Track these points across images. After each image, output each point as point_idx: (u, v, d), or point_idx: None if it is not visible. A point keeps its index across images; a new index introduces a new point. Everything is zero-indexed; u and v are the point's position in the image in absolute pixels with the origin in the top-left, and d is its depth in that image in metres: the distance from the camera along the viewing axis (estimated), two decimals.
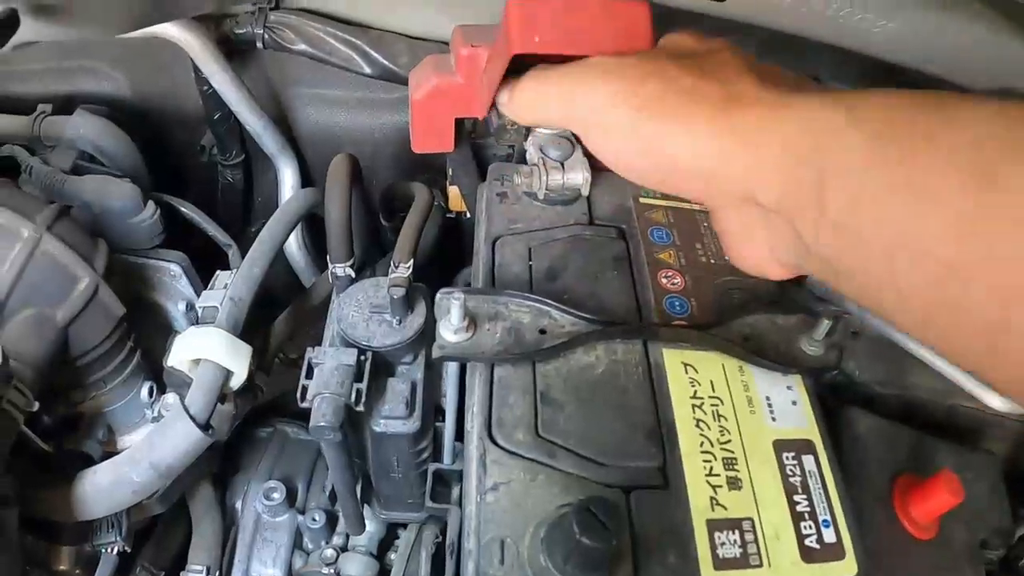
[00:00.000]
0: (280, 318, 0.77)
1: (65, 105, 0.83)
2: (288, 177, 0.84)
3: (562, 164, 0.57)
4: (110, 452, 0.71)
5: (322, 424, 0.59)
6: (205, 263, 0.80)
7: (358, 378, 0.61)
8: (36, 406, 0.57)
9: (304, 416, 0.72)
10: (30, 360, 0.59)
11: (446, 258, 0.81)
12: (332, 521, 0.79)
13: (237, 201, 0.91)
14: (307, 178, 0.87)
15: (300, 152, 0.86)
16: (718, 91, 0.42)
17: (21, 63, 0.88)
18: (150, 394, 0.71)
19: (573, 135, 0.58)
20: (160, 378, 0.72)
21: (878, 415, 0.57)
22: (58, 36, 0.53)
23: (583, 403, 0.49)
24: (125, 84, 0.88)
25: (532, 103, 0.51)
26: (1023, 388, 0.32)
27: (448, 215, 0.79)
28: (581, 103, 0.47)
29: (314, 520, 0.77)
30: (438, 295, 0.52)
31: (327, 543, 0.78)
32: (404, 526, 0.78)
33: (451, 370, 0.61)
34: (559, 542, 0.41)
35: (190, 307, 0.75)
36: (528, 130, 0.59)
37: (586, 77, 0.47)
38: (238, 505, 0.83)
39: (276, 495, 0.80)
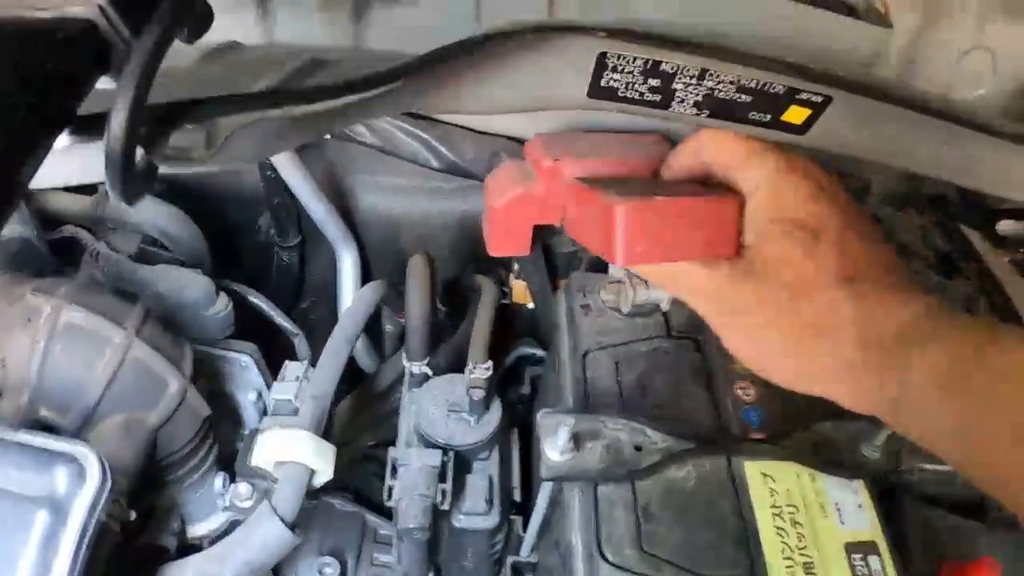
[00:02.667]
0: (343, 404, 0.82)
1: None
2: (349, 264, 0.89)
3: (646, 281, 0.63)
4: (182, 542, 0.75)
5: (411, 526, 0.65)
6: (256, 341, 0.85)
7: (442, 478, 0.66)
8: (132, 515, 0.61)
9: (343, 487, 0.77)
10: (122, 467, 0.63)
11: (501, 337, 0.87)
12: None
13: (291, 282, 0.96)
14: (364, 261, 0.92)
15: (357, 235, 0.90)
16: (824, 344, 0.48)
17: None
18: (223, 484, 0.75)
19: None
20: (230, 466, 0.76)
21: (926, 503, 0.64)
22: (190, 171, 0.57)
23: (679, 516, 0.56)
24: None
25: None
26: None
27: (504, 303, 0.84)
28: (700, 304, 0.53)
29: None
30: (541, 416, 0.58)
31: None
32: None
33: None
34: None
35: (259, 396, 0.79)
36: None
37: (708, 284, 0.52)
38: None
39: (329, 570, 0.85)
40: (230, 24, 0.82)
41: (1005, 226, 0.82)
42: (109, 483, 0.56)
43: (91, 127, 0.41)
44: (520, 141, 0.83)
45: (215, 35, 0.80)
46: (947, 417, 0.45)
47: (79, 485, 0.55)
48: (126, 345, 0.65)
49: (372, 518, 0.88)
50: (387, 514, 0.87)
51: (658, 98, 0.57)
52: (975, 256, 0.76)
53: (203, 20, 0.45)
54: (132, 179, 0.38)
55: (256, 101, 0.43)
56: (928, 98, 0.88)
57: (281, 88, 0.49)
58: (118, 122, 0.37)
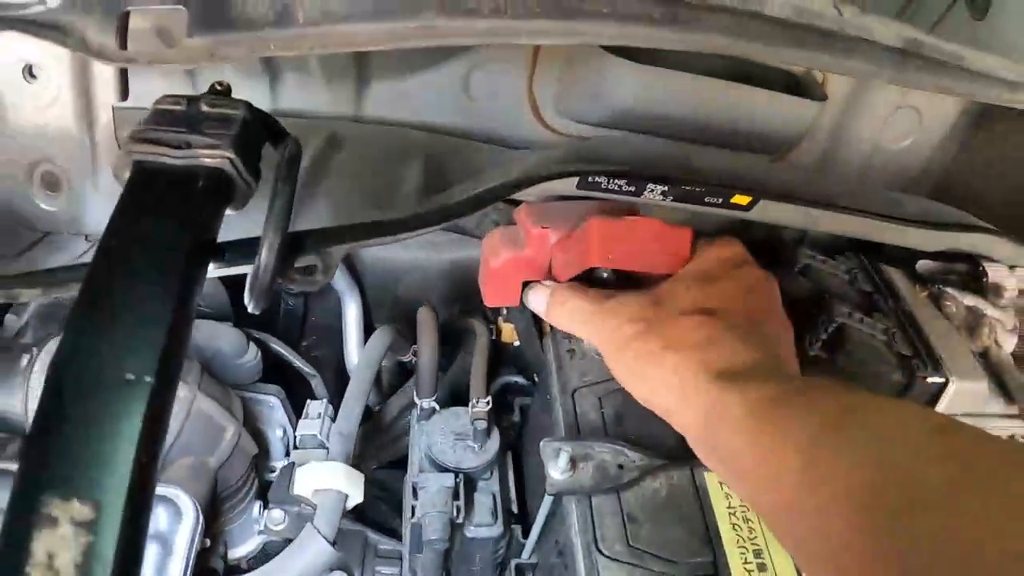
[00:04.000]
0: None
1: None
2: (353, 311, 1.07)
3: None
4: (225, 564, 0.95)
5: (434, 537, 0.85)
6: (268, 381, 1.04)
7: (456, 496, 0.88)
8: (208, 543, 0.81)
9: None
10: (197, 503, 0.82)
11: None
12: None
13: (296, 324, 1.14)
14: (365, 304, 1.11)
15: (360, 281, 1.09)
16: (671, 359, 0.69)
17: None
18: (259, 511, 0.94)
19: None
20: (263, 495, 0.95)
21: None
22: None
23: (656, 519, 0.76)
24: None
25: (561, 320, 0.80)
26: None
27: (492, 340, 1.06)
28: (595, 338, 0.76)
29: None
30: (543, 444, 0.78)
31: None
32: None
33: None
34: None
35: (284, 432, 0.99)
36: None
37: (596, 317, 0.76)
38: None
39: None
40: (243, 93, 1.02)
41: (923, 266, 1.07)
42: (201, 518, 0.76)
43: (229, 254, 0.61)
44: (506, 201, 1.05)
45: None
46: (747, 453, 0.61)
47: (178, 521, 0.74)
48: (191, 399, 0.83)
49: (373, 535, 1.06)
50: (387, 532, 1.07)
51: (632, 190, 0.78)
52: (895, 295, 0.99)
53: (300, 156, 0.65)
54: (269, 294, 0.57)
55: (373, 231, 0.63)
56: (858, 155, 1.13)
57: (394, 220, 0.67)
58: (267, 254, 0.56)
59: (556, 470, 0.77)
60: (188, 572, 0.73)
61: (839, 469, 0.53)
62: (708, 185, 0.77)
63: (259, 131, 0.62)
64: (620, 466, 0.79)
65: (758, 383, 0.63)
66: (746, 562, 0.75)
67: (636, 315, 0.73)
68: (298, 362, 1.03)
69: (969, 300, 0.99)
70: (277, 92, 1.00)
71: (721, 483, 0.81)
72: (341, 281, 1.05)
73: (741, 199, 0.81)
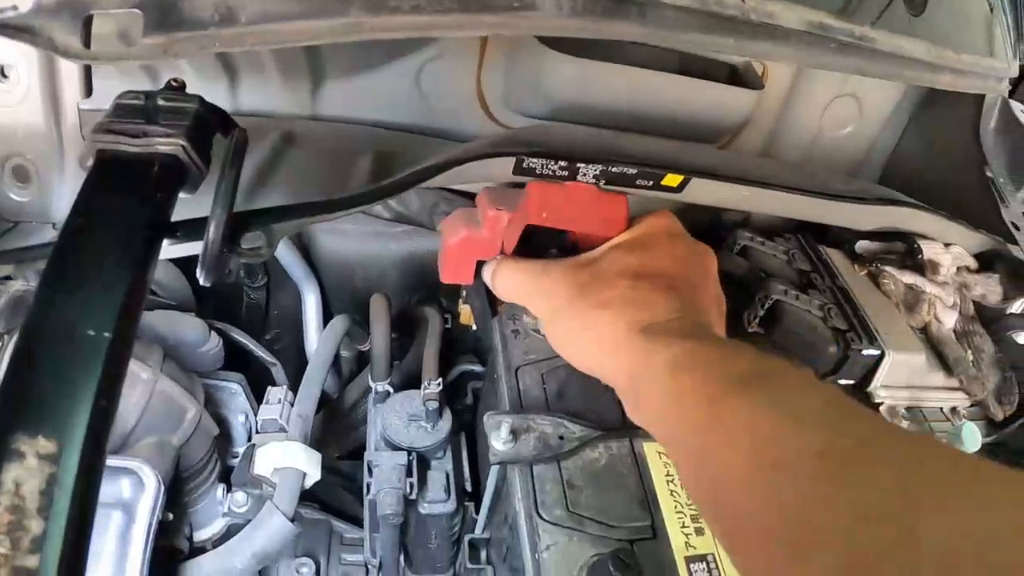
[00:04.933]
0: (317, 417, 1.11)
1: None
2: (312, 302, 1.16)
3: None
4: (191, 545, 1.04)
5: (388, 512, 0.94)
6: (231, 369, 1.13)
7: (409, 473, 0.97)
8: (170, 516, 0.90)
9: (310, 498, 1.07)
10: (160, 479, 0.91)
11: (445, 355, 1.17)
12: None
13: (259, 316, 1.23)
14: (324, 296, 1.21)
15: (318, 274, 1.19)
16: (603, 316, 0.76)
17: None
18: (222, 494, 1.03)
19: None
20: (226, 479, 1.05)
21: None
22: None
23: (595, 486, 0.83)
24: None
25: (505, 291, 0.89)
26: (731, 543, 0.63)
27: (447, 328, 1.15)
28: (534, 307, 0.86)
29: None
30: (486, 416, 0.87)
31: None
32: None
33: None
34: None
35: (246, 418, 1.08)
36: None
37: (534, 285, 0.85)
38: None
39: (305, 569, 1.13)
40: (203, 94, 1.11)
41: (862, 246, 1.16)
42: (163, 488, 0.85)
43: (180, 232, 0.71)
44: (455, 192, 1.14)
45: None
46: (663, 403, 0.68)
47: (140, 491, 0.83)
48: (153, 380, 0.91)
49: (338, 524, 1.14)
50: (351, 520, 1.16)
51: (566, 174, 0.86)
52: (831, 273, 1.09)
53: (246, 145, 0.75)
54: (220, 267, 0.67)
55: (309, 210, 0.73)
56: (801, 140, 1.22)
57: (327, 201, 0.75)
58: (214, 231, 0.65)
59: (498, 441, 0.85)
60: (150, 537, 0.82)
61: (738, 426, 0.60)
62: (639, 166, 0.86)
63: (210, 122, 0.72)
64: (561, 437, 0.87)
65: (680, 339, 0.70)
66: (683, 526, 0.81)
67: (571, 280, 0.81)
68: (259, 351, 1.12)
69: (908, 278, 1.09)
70: (236, 93, 1.08)
71: (659, 452, 0.89)
72: (299, 272, 1.14)
73: (671, 181, 0.90)
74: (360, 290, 1.16)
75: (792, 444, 0.56)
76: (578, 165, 0.86)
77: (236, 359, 1.14)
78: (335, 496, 1.18)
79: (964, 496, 0.48)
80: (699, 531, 0.82)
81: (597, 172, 0.87)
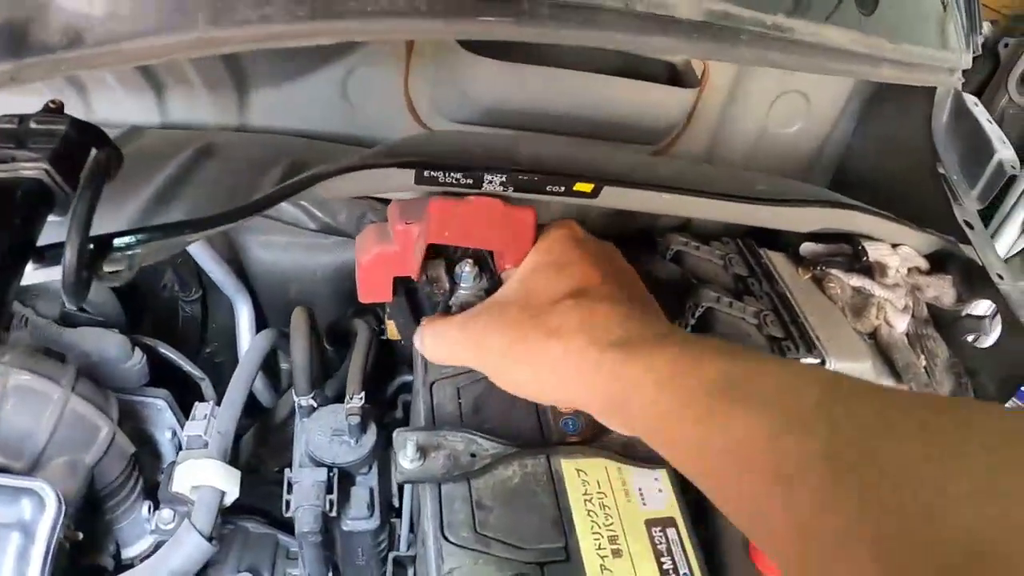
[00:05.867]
0: (247, 436, 1.11)
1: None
2: (244, 315, 1.16)
3: None
4: (118, 564, 1.04)
5: (306, 530, 0.93)
6: (164, 385, 1.14)
7: (329, 490, 0.96)
8: (80, 536, 0.90)
9: (257, 512, 1.06)
10: (69, 498, 0.90)
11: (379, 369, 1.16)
12: None
13: (195, 329, 1.23)
14: (258, 310, 1.20)
15: (251, 287, 1.19)
16: (557, 346, 0.74)
17: None
18: (148, 511, 1.03)
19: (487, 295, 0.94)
20: (154, 496, 1.05)
21: None
22: None
23: (506, 506, 0.82)
24: None
25: (438, 357, 0.88)
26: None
27: (381, 338, 1.14)
28: (476, 362, 0.84)
29: None
30: (396, 434, 0.86)
31: None
32: None
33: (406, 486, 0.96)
34: None
35: (174, 434, 1.08)
36: (451, 286, 0.94)
37: (465, 341, 0.83)
38: None
39: None
40: (130, 108, 1.11)
41: (806, 249, 1.14)
42: (63, 508, 0.85)
43: (46, 256, 0.71)
44: (383, 201, 1.13)
45: (117, 117, 1.08)
46: (653, 418, 0.68)
47: (41, 511, 0.83)
48: (64, 400, 0.90)
49: (284, 537, 1.13)
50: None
51: (470, 182, 0.83)
52: (770, 278, 1.06)
53: (119, 163, 0.74)
54: (80, 290, 0.67)
55: (176, 229, 0.72)
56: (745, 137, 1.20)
57: (196, 220, 0.74)
58: (70, 254, 0.65)
59: (405, 459, 0.84)
60: (49, 558, 0.82)
61: (735, 442, 0.60)
62: (542, 173, 0.84)
63: (82, 143, 0.72)
64: (472, 454, 0.86)
65: (647, 351, 0.70)
66: (600, 547, 0.80)
67: (503, 322, 0.80)
68: (187, 366, 1.12)
69: (855, 281, 1.06)
70: (164, 106, 1.08)
71: (578, 470, 0.87)
72: (230, 286, 1.14)
73: (584, 186, 0.88)
74: (294, 303, 1.14)
75: (795, 453, 0.55)
76: (482, 174, 0.84)
77: (171, 374, 1.13)
78: (280, 509, 1.17)
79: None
80: (616, 552, 0.80)
81: (503, 179, 0.85)
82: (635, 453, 0.88)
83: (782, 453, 0.56)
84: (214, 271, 1.14)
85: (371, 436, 0.99)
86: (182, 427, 1.07)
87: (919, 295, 1.10)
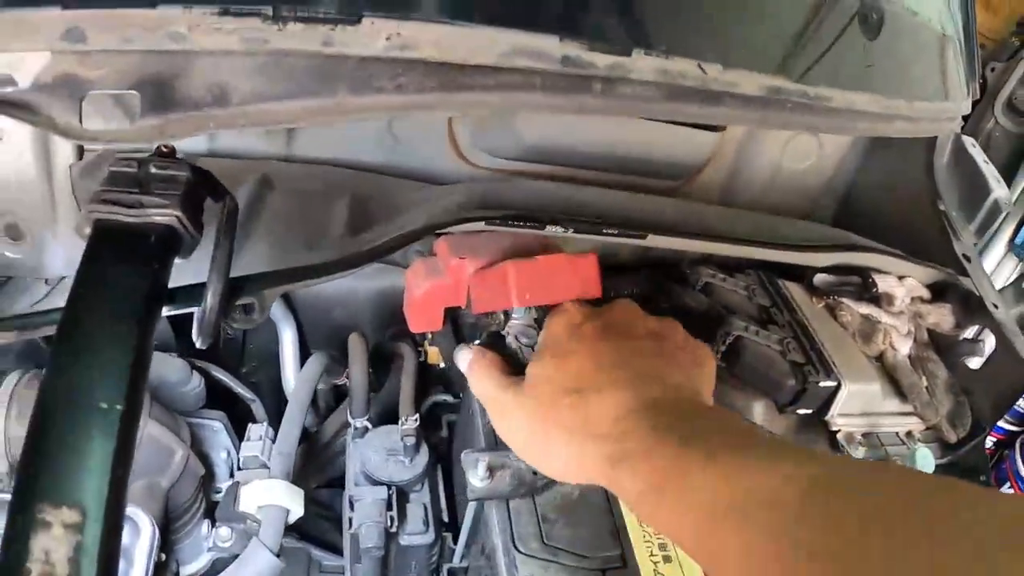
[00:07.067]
0: (297, 451, 1.18)
1: None
2: (288, 338, 1.22)
3: (532, 348, 1.01)
4: None
5: (370, 545, 1.01)
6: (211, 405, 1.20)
7: (389, 507, 1.04)
8: (163, 557, 0.96)
9: (292, 528, 1.13)
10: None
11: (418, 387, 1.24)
12: None
13: (237, 350, 1.30)
14: (301, 333, 1.27)
15: (295, 311, 1.25)
16: (567, 447, 0.77)
17: None
18: (207, 529, 1.09)
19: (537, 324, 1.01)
20: (210, 514, 1.11)
21: None
22: None
23: (568, 519, 0.90)
24: None
25: (477, 394, 0.90)
26: None
27: (420, 360, 1.22)
28: (498, 430, 0.86)
29: None
30: (464, 455, 0.93)
31: None
32: None
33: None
34: None
35: (228, 454, 1.14)
36: (505, 315, 1.02)
37: (499, 416, 0.86)
38: None
39: None
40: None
41: (820, 279, 1.24)
42: (157, 532, 0.91)
43: (177, 299, 0.77)
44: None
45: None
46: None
47: (136, 536, 0.89)
48: (142, 425, 0.97)
49: (317, 552, 1.20)
50: (329, 548, 1.22)
51: (536, 225, 0.95)
52: (790, 308, 1.17)
53: (236, 209, 0.81)
54: (215, 332, 0.73)
55: (300, 275, 0.79)
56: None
57: (321, 264, 0.82)
58: (212, 299, 0.71)
59: (476, 478, 0.92)
60: None
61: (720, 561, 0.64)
62: (604, 225, 0.93)
63: (201, 189, 0.78)
64: (534, 472, 0.94)
65: (633, 462, 0.71)
66: (652, 554, 0.89)
67: (528, 414, 0.82)
68: (239, 388, 1.18)
69: (864, 309, 1.17)
70: (214, 135, 1.15)
71: None
72: (277, 311, 1.20)
73: None
74: (335, 326, 1.22)
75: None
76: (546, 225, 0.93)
77: (215, 395, 1.20)
78: (314, 525, 1.23)
79: None
80: (667, 559, 0.89)
81: (566, 222, 0.93)
82: None
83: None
84: None
85: (424, 455, 1.07)
86: (235, 447, 1.14)
87: (920, 321, 1.20)
